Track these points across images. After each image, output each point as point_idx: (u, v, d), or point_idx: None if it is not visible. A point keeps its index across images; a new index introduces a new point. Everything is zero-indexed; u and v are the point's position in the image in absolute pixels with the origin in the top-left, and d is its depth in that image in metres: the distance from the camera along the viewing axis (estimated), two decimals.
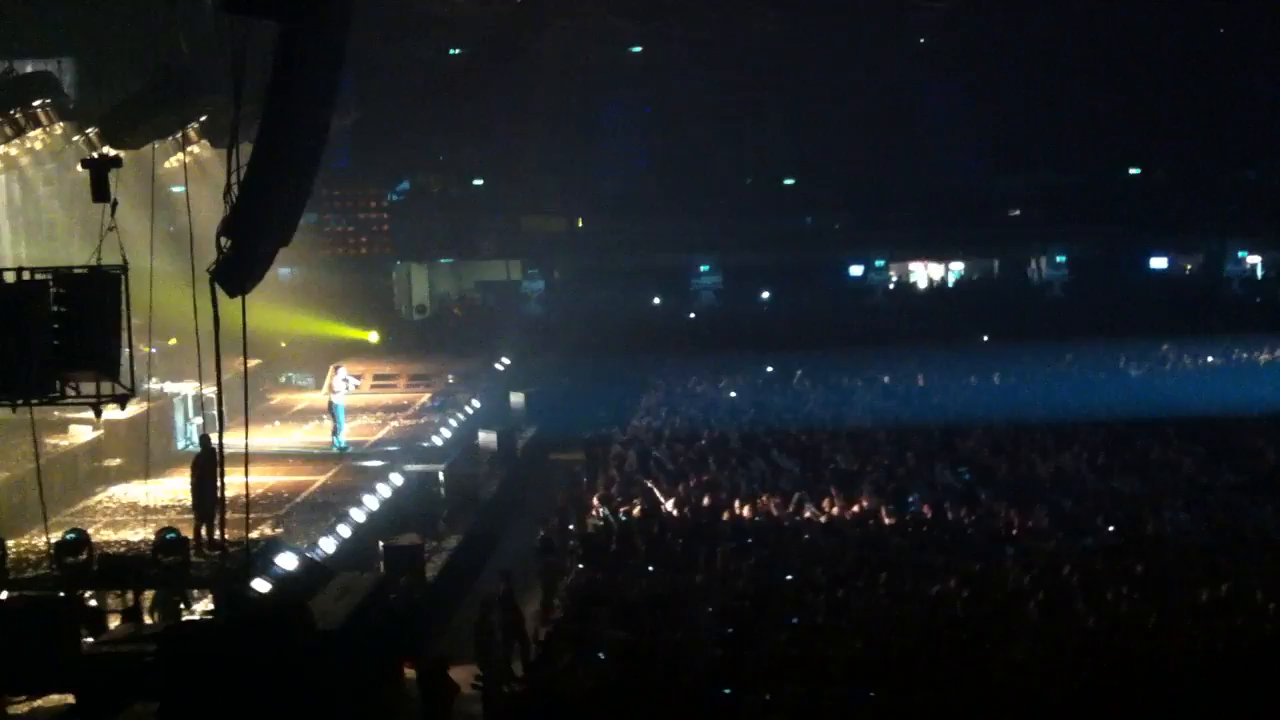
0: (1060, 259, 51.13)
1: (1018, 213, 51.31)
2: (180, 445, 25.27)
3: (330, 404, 27.18)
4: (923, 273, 53.73)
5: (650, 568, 17.84)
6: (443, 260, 49.32)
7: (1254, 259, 51.32)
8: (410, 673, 16.93)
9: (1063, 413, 27.36)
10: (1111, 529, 18.56)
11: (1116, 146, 50.08)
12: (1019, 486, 21.32)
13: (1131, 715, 12.69)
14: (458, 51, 44.56)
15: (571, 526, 21.46)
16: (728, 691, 13.38)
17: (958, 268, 53.66)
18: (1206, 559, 17.16)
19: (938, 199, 50.08)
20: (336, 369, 27.61)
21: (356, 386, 28.63)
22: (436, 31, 42.83)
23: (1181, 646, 14.06)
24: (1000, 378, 32.73)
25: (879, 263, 51.54)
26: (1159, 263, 51.51)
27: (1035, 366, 34.34)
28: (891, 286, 51.97)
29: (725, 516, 20.09)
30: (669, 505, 20.87)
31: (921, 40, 51.70)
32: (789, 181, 51.92)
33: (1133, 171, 51.79)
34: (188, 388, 25.60)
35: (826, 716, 12.75)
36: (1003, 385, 31.49)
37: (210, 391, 19.41)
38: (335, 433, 26.79)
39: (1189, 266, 51.99)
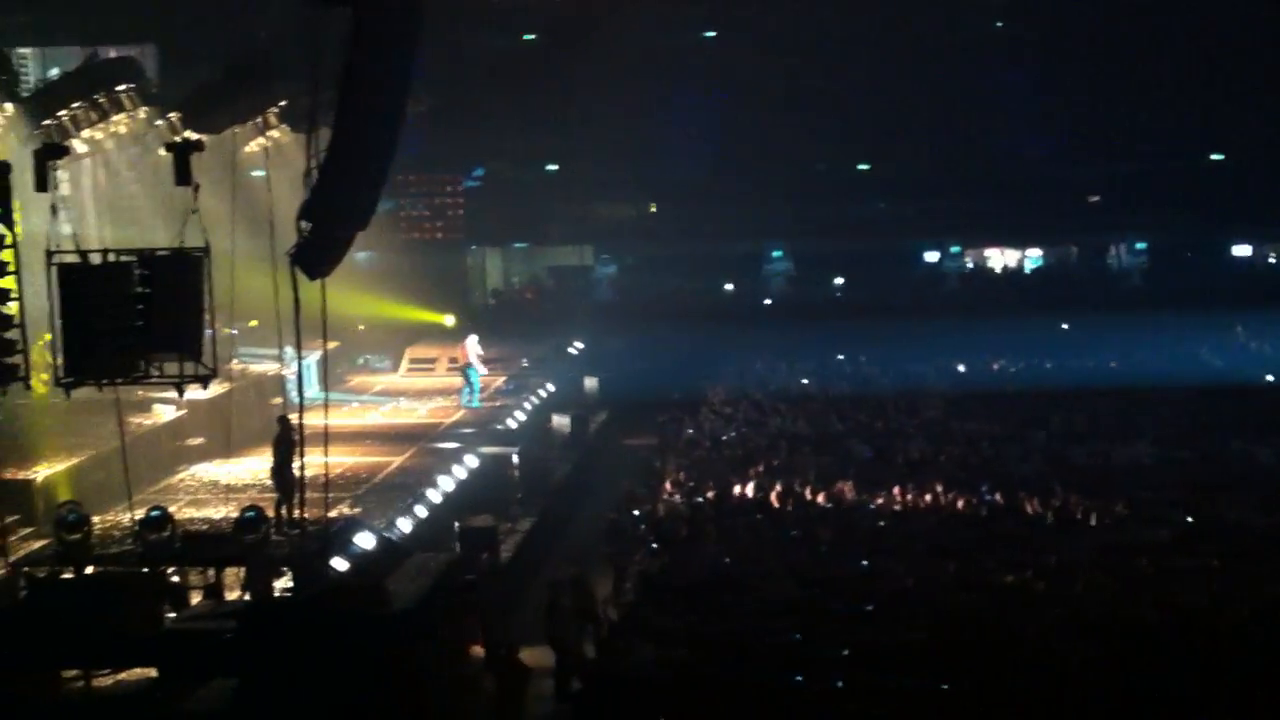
0: (1140, 246, 50.34)
1: (1097, 199, 50.53)
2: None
3: (464, 368, 29.49)
4: (999, 259, 53.14)
5: (721, 553, 17.87)
6: (516, 245, 49.56)
7: None
8: (482, 653, 17.13)
9: (1140, 399, 27.07)
10: (1189, 520, 18.28)
11: (1199, 131, 49.19)
12: (1095, 475, 21.09)
13: (1203, 709, 12.53)
14: (532, 37, 44.70)
15: (642, 511, 21.54)
16: (799, 679, 13.38)
17: (1035, 254, 53.02)
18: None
19: (1014, 185, 49.51)
20: (470, 338, 30.07)
21: (481, 355, 30.42)
22: (510, 17, 42.98)
23: (1254, 641, 13.89)
24: (1078, 363, 32.43)
25: (954, 249, 51.04)
26: (1241, 250, 50.58)
27: (1113, 352, 34.06)
28: (967, 272, 51.47)
29: (796, 502, 20.06)
30: (740, 491, 20.87)
31: (999, 24, 51.16)
32: (863, 167, 51.54)
33: (1215, 157, 50.80)
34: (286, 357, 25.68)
35: (896, 706, 12.72)
36: (1080, 370, 31.12)
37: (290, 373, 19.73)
38: (469, 391, 29.15)
39: (1273, 256, 50.96)
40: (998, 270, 52.86)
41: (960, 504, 19.59)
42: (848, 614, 15.19)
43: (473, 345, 29.75)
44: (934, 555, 17.18)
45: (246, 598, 16.40)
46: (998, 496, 19.96)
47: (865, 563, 16.99)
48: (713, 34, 49.53)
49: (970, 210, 49.80)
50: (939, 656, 13.82)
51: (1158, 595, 15.44)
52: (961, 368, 32.76)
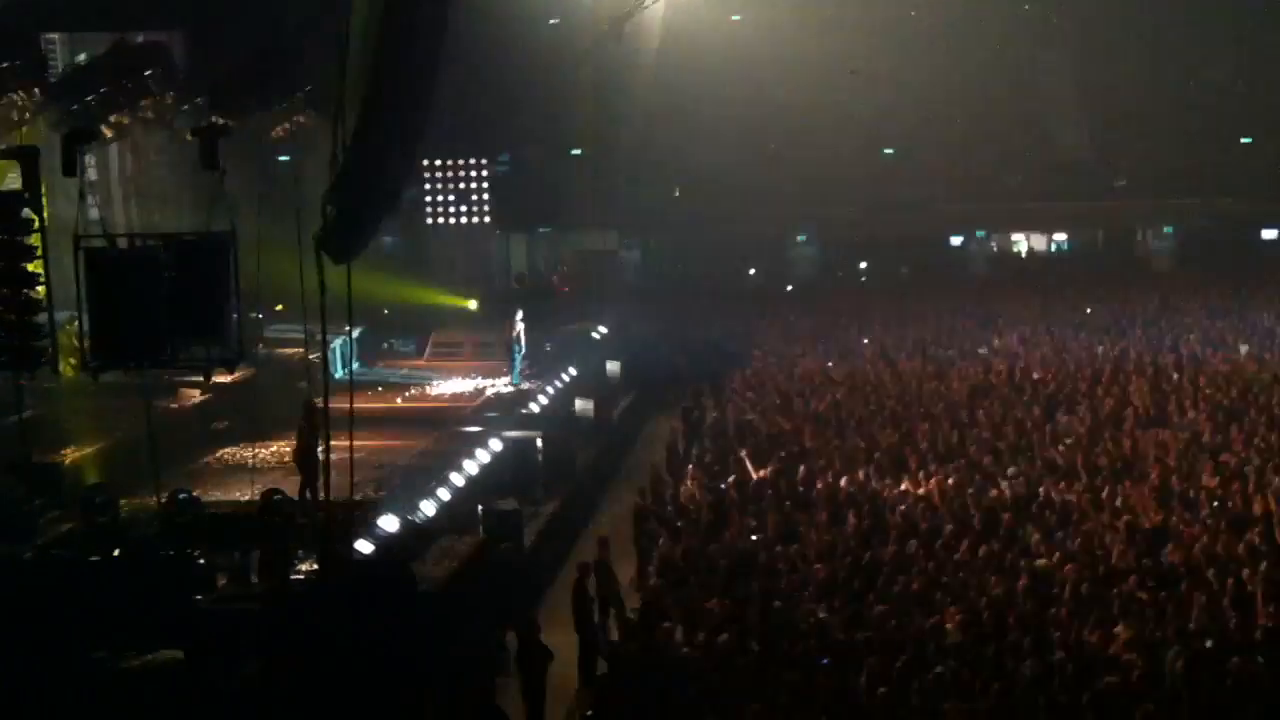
0: (1167, 230, 50.01)
1: (1124, 183, 50.22)
2: (338, 375, 25.04)
3: (509, 344, 30.87)
4: (1025, 243, 52.93)
5: (744, 538, 17.86)
6: (541, 230, 49.53)
7: None
8: (506, 636, 17.17)
9: (1172, 383, 26.85)
10: (1217, 504, 18.15)
11: (1227, 116, 48.82)
12: (1124, 460, 20.96)
13: (1245, 697, 12.46)
14: (556, 21, 44.62)
15: (665, 495, 21.52)
16: (825, 661, 13.37)
17: (1061, 238, 52.76)
18: None
19: (1041, 170, 49.32)
20: (516, 315, 31.17)
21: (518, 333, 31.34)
22: (536, 3, 42.90)
23: None
24: (1106, 346, 32.28)
25: (979, 233, 50.87)
26: (1270, 234, 50.21)
27: (1140, 335, 33.93)
28: (993, 256, 51.32)
29: (821, 487, 20.01)
30: (762, 476, 20.83)
31: (1027, 6, 50.90)
32: (888, 152, 51.35)
33: (1244, 141, 50.41)
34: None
35: (924, 690, 12.70)
36: (1107, 354, 30.96)
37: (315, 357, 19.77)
38: (512, 370, 30.51)
39: None
40: (1023, 255, 52.64)
41: (987, 489, 19.48)
42: (872, 599, 15.16)
43: (519, 319, 30.79)
44: (960, 540, 17.12)
45: (272, 580, 16.49)
46: (1024, 481, 19.85)
47: (891, 547, 16.93)
48: (738, 18, 49.39)
49: (996, 195, 49.66)
50: (967, 641, 13.79)
51: (1190, 581, 15.34)
52: (983, 351, 32.63)
